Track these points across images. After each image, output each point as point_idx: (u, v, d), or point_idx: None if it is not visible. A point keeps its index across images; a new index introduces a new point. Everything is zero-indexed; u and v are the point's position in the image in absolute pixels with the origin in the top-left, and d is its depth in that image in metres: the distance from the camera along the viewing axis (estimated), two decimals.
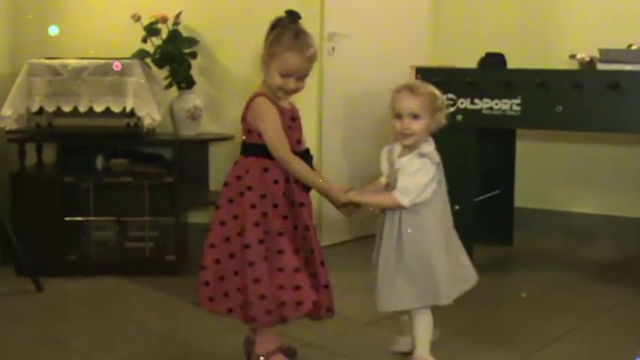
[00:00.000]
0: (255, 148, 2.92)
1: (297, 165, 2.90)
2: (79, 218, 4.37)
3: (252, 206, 2.88)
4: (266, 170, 2.90)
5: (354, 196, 2.97)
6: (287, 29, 2.89)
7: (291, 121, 2.95)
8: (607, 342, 3.39)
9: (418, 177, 2.92)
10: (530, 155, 5.25)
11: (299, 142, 2.97)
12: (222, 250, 2.92)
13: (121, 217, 4.45)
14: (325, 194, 2.98)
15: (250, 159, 2.92)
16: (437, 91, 3.03)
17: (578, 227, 5.28)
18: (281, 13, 2.91)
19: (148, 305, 3.89)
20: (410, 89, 2.97)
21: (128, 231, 4.51)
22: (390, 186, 3.00)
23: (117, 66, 4.26)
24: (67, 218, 4.31)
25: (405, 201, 2.91)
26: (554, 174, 5.41)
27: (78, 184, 4.37)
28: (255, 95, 2.92)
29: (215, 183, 4.85)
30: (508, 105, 4.13)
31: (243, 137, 2.96)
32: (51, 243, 4.27)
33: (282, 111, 2.92)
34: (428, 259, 2.97)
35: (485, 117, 4.19)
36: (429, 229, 2.98)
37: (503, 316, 3.75)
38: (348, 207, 2.99)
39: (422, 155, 2.95)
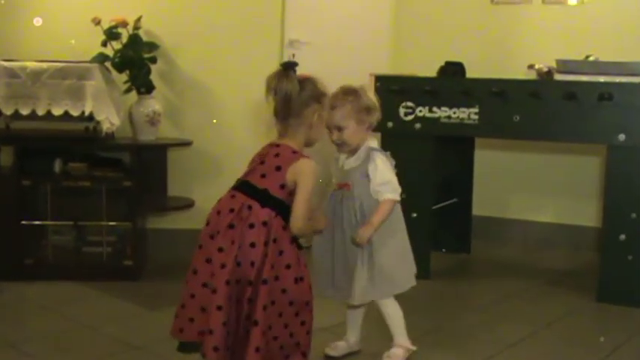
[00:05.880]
0: (274, 202, 2.65)
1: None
2: (37, 222, 4.32)
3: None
4: (284, 229, 2.66)
5: (370, 231, 2.99)
6: None
7: None
8: (559, 349, 3.44)
9: (390, 171, 3.05)
10: (488, 164, 5.29)
11: None
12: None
13: (78, 221, 4.42)
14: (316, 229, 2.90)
15: (269, 211, 2.63)
16: (358, 93, 3.09)
17: (534, 236, 5.35)
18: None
19: (104, 310, 3.87)
20: (330, 106, 2.98)
21: (86, 235, 4.49)
22: (349, 187, 3.07)
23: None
24: (24, 222, 4.27)
25: (397, 196, 3.04)
26: (511, 182, 5.47)
27: (35, 188, 4.33)
28: (301, 155, 2.70)
29: (173, 188, 4.84)
30: (466, 114, 4.17)
31: (266, 187, 2.65)
32: (7, 247, 4.23)
33: None
34: (404, 249, 3.12)
35: (443, 125, 4.23)
36: (398, 219, 3.12)
37: (458, 323, 3.77)
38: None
39: (375, 150, 3.08)
